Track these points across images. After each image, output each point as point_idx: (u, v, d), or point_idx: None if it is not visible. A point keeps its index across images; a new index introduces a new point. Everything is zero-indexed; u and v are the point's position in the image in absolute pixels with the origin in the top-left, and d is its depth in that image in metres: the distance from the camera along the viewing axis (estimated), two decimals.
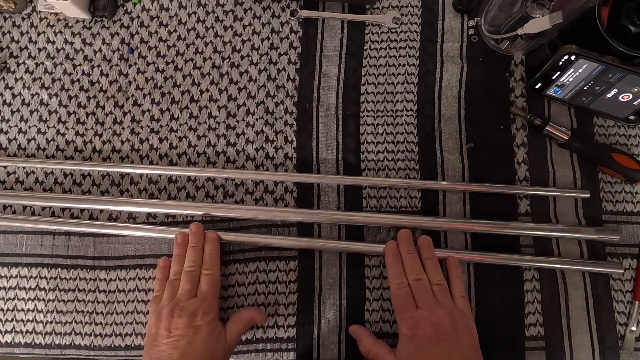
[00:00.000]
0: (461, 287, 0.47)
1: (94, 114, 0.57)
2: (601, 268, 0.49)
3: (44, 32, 0.59)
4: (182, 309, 0.45)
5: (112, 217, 0.54)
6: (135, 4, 0.59)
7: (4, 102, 0.58)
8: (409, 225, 0.50)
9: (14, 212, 0.55)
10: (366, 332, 0.49)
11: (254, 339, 0.51)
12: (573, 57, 0.46)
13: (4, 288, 0.54)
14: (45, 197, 0.54)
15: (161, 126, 0.56)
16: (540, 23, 0.46)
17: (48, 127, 0.57)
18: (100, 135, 0.56)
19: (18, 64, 0.58)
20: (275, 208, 0.53)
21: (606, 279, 0.50)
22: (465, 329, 0.44)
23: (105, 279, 0.53)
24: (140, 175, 0.55)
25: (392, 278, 0.47)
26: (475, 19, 0.55)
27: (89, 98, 0.57)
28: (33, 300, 0.53)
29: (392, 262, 0.48)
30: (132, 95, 0.57)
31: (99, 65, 0.58)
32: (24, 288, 0.54)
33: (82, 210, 0.55)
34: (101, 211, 0.55)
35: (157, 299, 0.48)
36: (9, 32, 0.59)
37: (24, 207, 0.55)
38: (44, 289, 0.53)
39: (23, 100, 0.58)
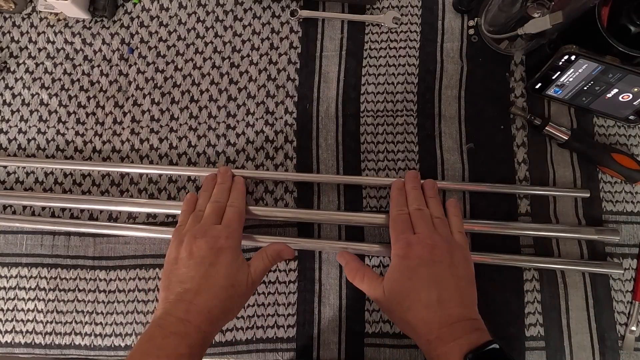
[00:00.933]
0: (460, 225, 0.47)
1: (94, 114, 0.57)
2: (601, 268, 0.49)
3: (44, 32, 0.59)
4: (205, 233, 0.44)
5: (112, 217, 0.54)
6: (135, 4, 0.59)
7: (4, 102, 0.58)
8: None
9: (14, 212, 0.55)
10: (353, 256, 0.48)
11: (254, 339, 0.51)
12: (573, 57, 0.46)
13: (4, 288, 0.54)
14: (45, 197, 0.54)
15: (161, 126, 0.56)
16: (540, 23, 0.46)
17: (48, 127, 0.57)
18: (100, 135, 0.56)
19: (18, 64, 0.58)
20: (275, 209, 0.53)
21: (606, 279, 0.50)
22: (462, 259, 0.43)
23: (105, 279, 0.53)
24: (140, 175, 0.55)
25: (393, 206, 0.47)
26: (475, 19, 0.55)
27: (89, 98, 0.57)
28: (33, 300, 0.53)
29: (396, 195, 0.48)
30: (132, 95, 0.57)
31: (99, 65, 0.58)
32: (24, 288, 0.54)
33: (82, 210, 0.55)
34: (101, 211, 0.55)
35: (180, 228, 0.47)
36: (9, 32, 0.59)
37: (24, 207, 0.55)
38: (44, 289, 0.53)
39: (23, 100, 0.58)
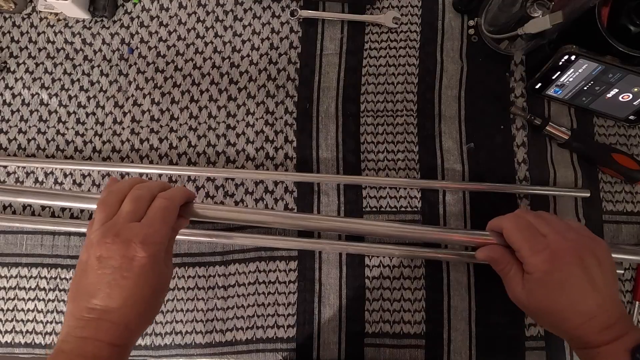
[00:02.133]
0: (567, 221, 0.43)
1: (94, 114, 0.57)
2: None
3: (44, 32, 0.59)
4: (117, 234, 0.35)
5: None
6: (135, 4, 0.59)
7: (4, 102, 0.58)
8: (409, 235, 0.49)
9: (14, 212, 0.55)
10: (494, 249, 0.44)
11: (254, 339, 0.51)
12: (573, 57, 0.46)
13: (4, 288, 0.54)
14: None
15: (161, 126, 0.56)
16: (540, 23, 0.46)
17: (48, 127, 0.57)
18: (100, 135, 0.56)
19: (18, 64, 0.58)
20: (275, 212, 0.53)
21: None
22: (604, 250, 0.40)
23: None
24: (140, 175, 0.55)
25: (505, 219, 0.43)
26: (475, 19, 0.55)
27: (89, 98, 0.57)
28: (33, 300, 0.53)
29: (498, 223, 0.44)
30: (132, 95, 0.57)
31: (99, 65, 0.58)
32: (24, 288, 0.54)
33: (82, 210, 0.55)
34: None
35: (90, 224, 0.39)
36: (9, 32, 0.59)
37: (24, 207, 0.55)
38: (44, 289, 0.53)
39: (23, 100, 0.58)
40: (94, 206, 0.44)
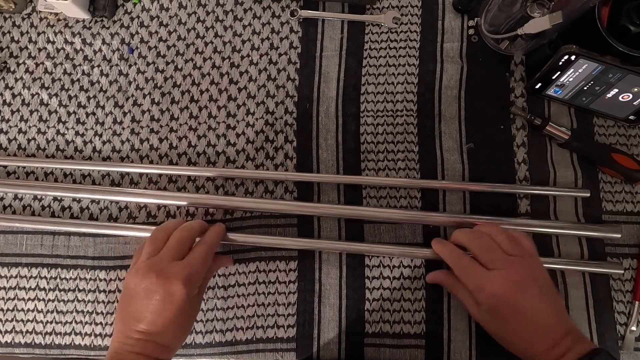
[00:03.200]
0: (509, 233, 0.46)
1: (94, 114, 0.57)
2: (601, 268, 0.49)
3: (44, 32, 0.59)
4: (160, 271, 0.41)
5: (112, 217, 0.54)
6: (135, 4, 0.59)
7: (4, 102, 0.58)
8: (409, 218, 0.51)
9: (14, 212, 0.55)
10: (444, 274, 0.49)
11: (254, 339, 0.51)
12: (573, 57, 0.46)
13: (4, 288, 0.54)
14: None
15: (161, 126, 0.56)
16: (540, 23, 0.46)
17: (48, 127, 0.57)
18: (100, 135, 0.56)
19: (18, 64, 0.58)
20: (273, 201, 0.53)
21: (606, 279, 0.50)
22: (539, 268, 0.44)
23: (105, 279, 0.53)
24: (140, 175, 0.55)
25: (447, 254, 0.47)
26: (475, 19, 0.55)
27: (89, 98, 0.57)
28: (33, 300, 0.53)
29: (439, 247, 0.49)
30: (132, 95, 0.57)
31: (99, 65, 0.58)
32: (24, 288, 0.54)
33: (82, 210, 0.55)
34: (101, 210, 0.55)
35: (138, 253, 0.45)
36: (9, 32, 0.59)
37: (24, 207, 0.55)
38: (44, 289, 0.53)
39: (23, 100, 0.58)
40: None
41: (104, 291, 0.53)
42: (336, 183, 0.53)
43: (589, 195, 0.51)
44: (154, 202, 0.53)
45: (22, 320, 0.53)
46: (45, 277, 0.54)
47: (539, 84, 0.51)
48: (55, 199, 0.55)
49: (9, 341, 0.53)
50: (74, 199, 0.55)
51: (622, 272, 0.49)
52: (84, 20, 0.59)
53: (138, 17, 0.58)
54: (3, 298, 0.54)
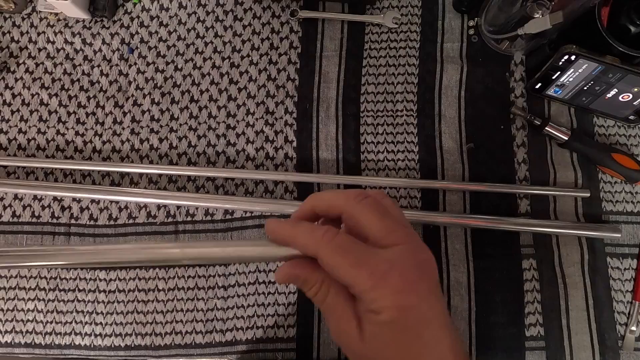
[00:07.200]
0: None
1: (94, 114, 0.57)
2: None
3: (44, 32, 0.59)
4: None
5: (112, 218, 0.54)
6: (135, 4, 0.59)
7: (4, 102, 0.58)
8: (409, 218, 0.50)
9: (14, 212, 0.55)
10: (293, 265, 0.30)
11: (254, 339, 0.51)
12: (573, 57, 0.47)
13: (4, 288, 0.54)
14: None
15: (161, 126, 0.56)
16: (540, 23, 0.46)
17: (48, 127, 0.57)
18: (100, 135, 0.56)
19: (18, 64, 0.58)
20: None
21: (606, 279, 0.50)
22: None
23: (105, 279, 0.53)
24: (140, 175, 0.55)
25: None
26: (475, 19, 0.55)
27: (89, 98, 0.57)
28: (33, 300, 0.53)
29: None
30: (132, 95, 0.57)
31: (99, 65, 0.58)
32: (24, 288, 0.54)
33: (82, 210, 0.55)
34: (101, 210, 0.55)
35: None
36: (9, 32, 0.59)
37: (24, 207, 0.55)
38: (44, 289, 0.53)
39: (23, 100, 0.58)
40: None
41: (104, 291, 0.53)
42: (336, 183, 0.53)
43: (589, 195, 0.51)
44: (154, 202, 0.53)
45: (22, 320, 0.53)
46: (45, 277, 0.54)
47: (539, 84, 0.51)
48: (55, 199, 0.55)
49: (9, 341, 0.53)
50: (74, 199, 0.55)
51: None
52: (84, 20, 0.59)
53: (138, 17, 0.58)
54: (3, 298, 0.54)
